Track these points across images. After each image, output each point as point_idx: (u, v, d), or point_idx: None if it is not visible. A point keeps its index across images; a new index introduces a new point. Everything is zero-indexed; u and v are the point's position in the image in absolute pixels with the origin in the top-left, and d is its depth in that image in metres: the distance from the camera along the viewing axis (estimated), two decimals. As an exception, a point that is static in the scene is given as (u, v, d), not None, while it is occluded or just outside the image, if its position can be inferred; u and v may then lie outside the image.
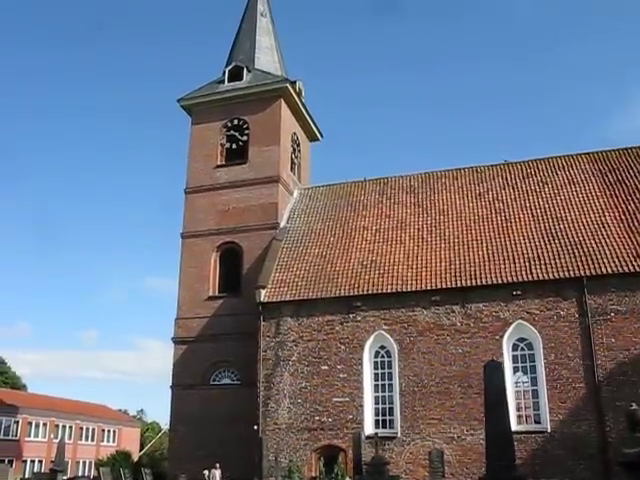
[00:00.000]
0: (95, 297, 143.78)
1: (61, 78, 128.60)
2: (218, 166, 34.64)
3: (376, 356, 26.43)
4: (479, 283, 25.59)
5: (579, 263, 24.94)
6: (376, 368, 26.37)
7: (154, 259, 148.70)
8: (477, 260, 26.50)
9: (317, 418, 26.15)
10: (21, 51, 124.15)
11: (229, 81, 36.00)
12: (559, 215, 27.71)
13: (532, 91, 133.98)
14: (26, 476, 38.16)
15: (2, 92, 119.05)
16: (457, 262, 26.67)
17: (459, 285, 25.80)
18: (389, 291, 26.59)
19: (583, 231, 26.41)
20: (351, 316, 26.72)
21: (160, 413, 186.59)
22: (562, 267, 25.04)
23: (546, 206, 28.49)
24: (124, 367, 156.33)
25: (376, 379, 26.27)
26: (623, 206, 27.14)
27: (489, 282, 25.49)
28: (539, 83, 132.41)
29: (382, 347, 26.37)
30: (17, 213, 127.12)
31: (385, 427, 25.48)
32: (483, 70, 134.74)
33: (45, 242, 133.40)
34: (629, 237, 25.39)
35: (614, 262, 24.50)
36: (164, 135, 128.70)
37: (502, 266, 25.87)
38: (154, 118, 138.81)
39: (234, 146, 34.86)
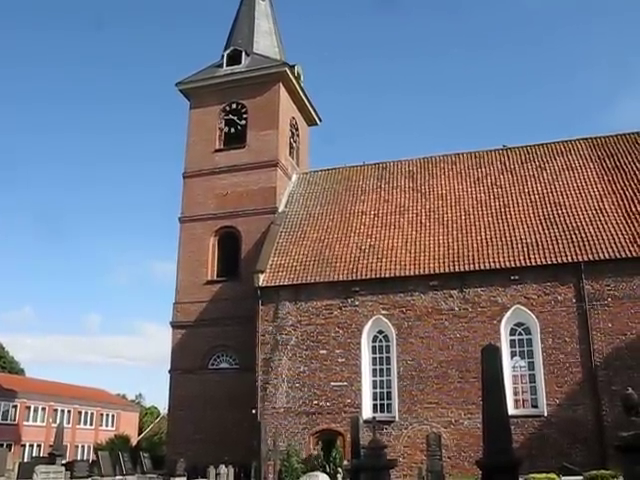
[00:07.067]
0: (98, 281, 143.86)
1: (59, 64, 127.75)
2: (216, 150, 34.57)
3: (374, 340, 26.51)
4: (477, 268, 25.65)
5: (577, 248, 25.00)
6: (374, 352, 26.44)
7: (156, 243, 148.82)
8: (475, 245, 26.54)
9: (315, 402, 26.24)
10: (21, 36, 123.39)
11: (227, 65, 35.85)
12: (557, 200, 27.74)
13: (533, 77, 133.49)
14: (25, 460, 38.16)
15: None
16: (455, 247, 26.71)
17: (457, 270, 25.85)
18: (387, 276, 26.63)
19: (581, 216, 26.44)
20: (349, 301, 26.77)
21: (158, 397, 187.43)
22: (560, 252, 25.10)
23: (544, 191, 28.51)
24: (125, 352, 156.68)
25: (374, 363, 26.34)
26: (621, 192, 27.16)
27: (487, 267, 25.55)
28: (540, 69, 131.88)
29: (380, 332, 26.43)
30: (21, 200, 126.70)
31: (383, 411, 25.57)
32: (483, 55, 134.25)
33: (48, 227, 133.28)
34: (627, 223, 25.43)
35: (611, 247, 24.56)
36: (167, 119, 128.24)
37: (500, 251, 25.92)
38: (154, 103, 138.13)
39: (232, 130, 34.78)
